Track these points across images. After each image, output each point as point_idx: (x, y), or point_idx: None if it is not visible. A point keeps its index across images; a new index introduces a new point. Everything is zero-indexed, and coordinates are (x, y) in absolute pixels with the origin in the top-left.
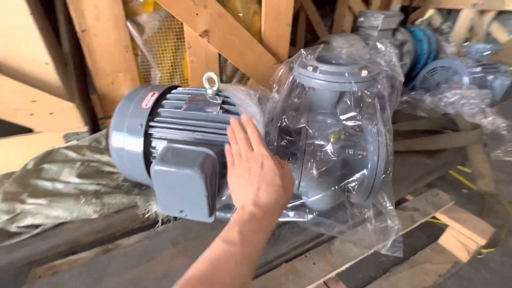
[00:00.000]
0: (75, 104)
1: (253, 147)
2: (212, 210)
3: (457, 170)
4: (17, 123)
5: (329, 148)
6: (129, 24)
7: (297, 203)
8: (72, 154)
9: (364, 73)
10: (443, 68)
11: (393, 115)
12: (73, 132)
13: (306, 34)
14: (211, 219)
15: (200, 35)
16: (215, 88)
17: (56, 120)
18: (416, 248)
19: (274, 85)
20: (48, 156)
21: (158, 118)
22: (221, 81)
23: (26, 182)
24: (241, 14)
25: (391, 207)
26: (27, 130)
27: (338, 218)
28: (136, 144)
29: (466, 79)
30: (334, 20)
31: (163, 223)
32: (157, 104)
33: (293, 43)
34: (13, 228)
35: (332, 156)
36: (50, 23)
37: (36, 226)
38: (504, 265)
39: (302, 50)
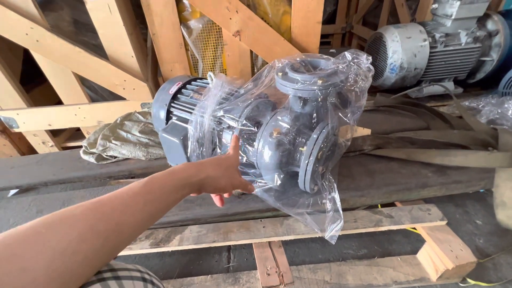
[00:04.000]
0: (147, 84)
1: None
2: None
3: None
4: (117, 93)
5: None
6: (182, 28)
7: (267, 187)
8: (140, 117)
9: (318, 82)
10: None
11: (430, 123)
12: (146, 102)
13: (389, 18)
14: None
15: (233, 35)
16: (212, 83)
17: (136, 93)
18: (391, 254)
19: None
20: (128, 116)
21: (176, 101)
22: (253, 73)
23: (114, 130)
24: (270, 16)
25: (338, 204)
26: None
27: (300, 202)
28: (162, 116)
29: None
30: (418, 3)
31: None
32: (179, 91)
33: (375, 27)
34: (104, 155)
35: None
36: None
37: (114, 157)
38: None
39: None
